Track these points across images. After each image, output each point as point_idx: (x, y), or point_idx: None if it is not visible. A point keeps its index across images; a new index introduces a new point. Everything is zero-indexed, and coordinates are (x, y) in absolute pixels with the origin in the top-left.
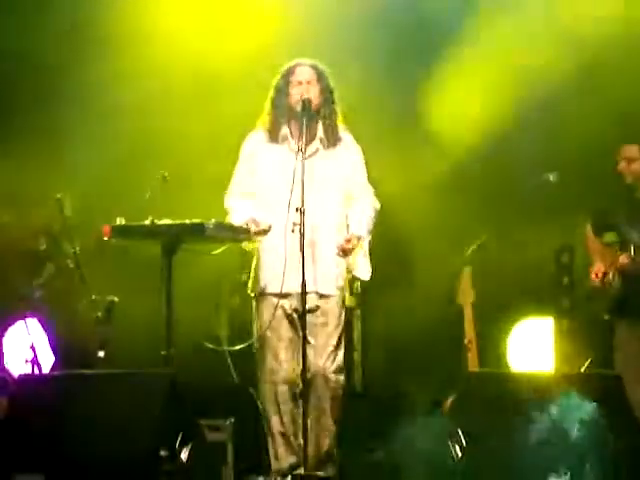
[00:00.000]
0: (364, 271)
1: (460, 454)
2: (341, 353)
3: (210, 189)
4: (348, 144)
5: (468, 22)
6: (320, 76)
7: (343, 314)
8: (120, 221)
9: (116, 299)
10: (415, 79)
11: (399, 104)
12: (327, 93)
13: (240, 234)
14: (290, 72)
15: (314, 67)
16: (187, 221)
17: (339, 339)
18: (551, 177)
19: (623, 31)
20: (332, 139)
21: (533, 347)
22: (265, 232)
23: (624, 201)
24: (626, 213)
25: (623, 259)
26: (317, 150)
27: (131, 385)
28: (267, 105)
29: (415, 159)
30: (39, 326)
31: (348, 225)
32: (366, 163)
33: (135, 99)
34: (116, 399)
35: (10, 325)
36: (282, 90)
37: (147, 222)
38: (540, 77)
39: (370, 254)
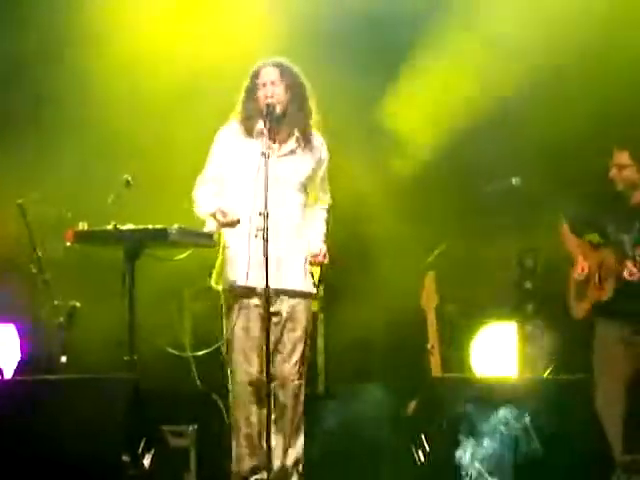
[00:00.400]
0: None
1: (423, 458)
2: (307, 359)
3: (175, 193)
4: (319, 148)
5: (434, 23)
6: (283, 73)
7: (310, 320)
8: (83, 226)
9: (78, 304)
10: (382, 81)
11: (366, 106)
12: (295, 89)
13: (203, 239)
14: (255, 74)
15: (277, 65)
16: (150, 226)
17: (305, 345)
18: (514, 181)
19: (597, 29)
20: (306, 141)
21: (497, 352)
22: (233, 224)
23: (613, 206)
24: (616, 219)
25: (632, 268)
26: (293, 150)
27: (94, 390)
28: (238, 107)
29: (380, 163)
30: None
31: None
32: (332, 166)
33: (102, 100)
34: (79, 404)
35: None
36: (250, 92)
37: (110, 227)
38: (504, 78)
39: (332, 259)
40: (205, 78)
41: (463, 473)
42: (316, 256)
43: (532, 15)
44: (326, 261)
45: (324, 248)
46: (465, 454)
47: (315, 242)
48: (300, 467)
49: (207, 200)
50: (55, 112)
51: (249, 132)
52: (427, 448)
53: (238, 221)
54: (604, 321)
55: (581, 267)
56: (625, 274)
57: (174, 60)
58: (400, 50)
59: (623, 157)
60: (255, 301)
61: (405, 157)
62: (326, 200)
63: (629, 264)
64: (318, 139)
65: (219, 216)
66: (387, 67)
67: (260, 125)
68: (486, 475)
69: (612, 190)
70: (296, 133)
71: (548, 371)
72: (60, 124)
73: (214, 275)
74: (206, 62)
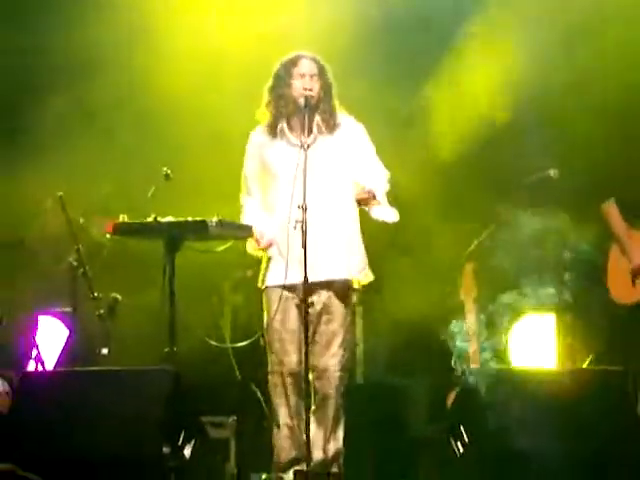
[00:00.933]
0: (389, 214)
1: (462, 449)
2: (346, 351)
3: (214, 186)
4: (348, 126)
5: (468, 23)
6: (321, 71)
7: (349, 312)
8: (123, 218)
9: (119, 297)
10: (417, 69)
11: (399, 97)
12: (327, 88)
13: (243, 231)
14: (292, 63)
15: (316, 61)
16: (190, 218)
17: (344, 337)
18: (552, 173)
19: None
20: (330, 126)
21: (535, 343)
22: (265, 249)
23: None
24: None
25: None
26: (315, 139)
27: (134, 382)
28: (266, 95)
29: (416, 154)
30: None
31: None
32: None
33: (136, 94)
34: (119, 396)
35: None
36: (283, 80)
37: (150, 219)
38: (544, 69)
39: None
40: (239, 73)
41: None
42: (366, 192)
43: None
44: (373, 201)
45: (373, 191)
46: None
47: (371, 185)
48: (340, 459)
49: (253, 215)
50: (91, 107)
51: (273, 133)
52: (466, 439)
53: (270, 246)
54: None
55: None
56: None
57: (218, 54)
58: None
59: None
60: (292, 294)
61: (442, 149)
62: (383, 173)
63: None
64: (343, 118)
65: (260, 239)
66: (423, 54)
67: (282, 124)
68: None
69: None
70: (320, 122)
71: (587, 362)
72: (96, 120)
73: (259, 276)
74: (249, 59)
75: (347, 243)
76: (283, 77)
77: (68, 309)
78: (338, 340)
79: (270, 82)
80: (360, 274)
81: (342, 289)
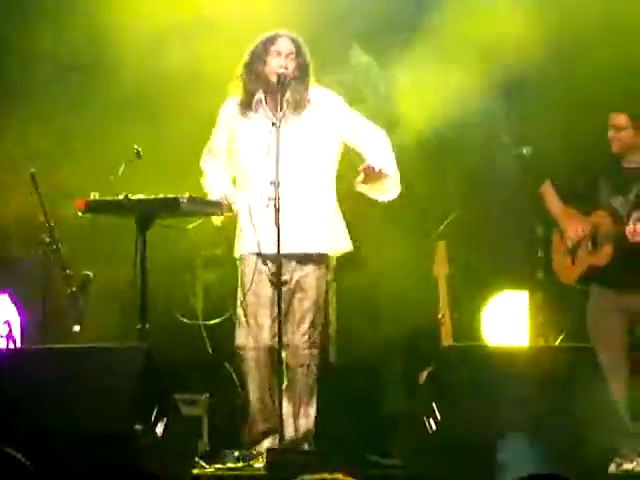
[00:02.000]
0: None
1: (435, 427)
2: (317, 329)
3: (185, 164)
4: (322, 102)
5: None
6: (299, 50)
7: (323, 290)
8: (94, 196)
9: (91, 274)
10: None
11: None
12: (303, 67)
13: (214, 208)
14: (270, 41)
15: (294, 40)
16: (161, 196)
17: (315, 315)
18: (524, 151)
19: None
20: (301, 104)
21: (508, 320)
22: (232, 212)
23: (607, 169)
24: (609, 181)
25: (635, 229)
26: (286, 116)
27: (105, 359)
28: (239, 69)
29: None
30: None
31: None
32: None
33: (109, 69)
34: (91, 374)
35: None
36: (259, 57)
37: (121, 197)
38: (514, 47)
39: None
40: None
41: None
42: (369, 167)
43: None
44: (378, 177)
45: (378, 167)
46: None
47: (375, 159)
48: (311, 437)
49: (216, 177)
50: (65, 82)
51: (247, 105)
52: (439, 417)
53: (237, 213)
54: (599, 288)
55: (575, 229)
56: (628, 234)
57: (187, 30)
58: (409, 19)
59: (620, 119)
60: (266, 268)
61: (412, 128)
62: (377, 136)
63: (631, 226)
64: (318, 93)
65: (224, 202)
66: (394, 37)
67: (259, 96)
68: None
69: (606, 155)
70: (289, 98)
71: (559, 339)
72: (70, 95)
73: (234, 246)
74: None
75: (321, 219)
76: (259, 54)
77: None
78: (309, 318)
79: (246, 58)
80: (336, 248)
81: (316, 265)
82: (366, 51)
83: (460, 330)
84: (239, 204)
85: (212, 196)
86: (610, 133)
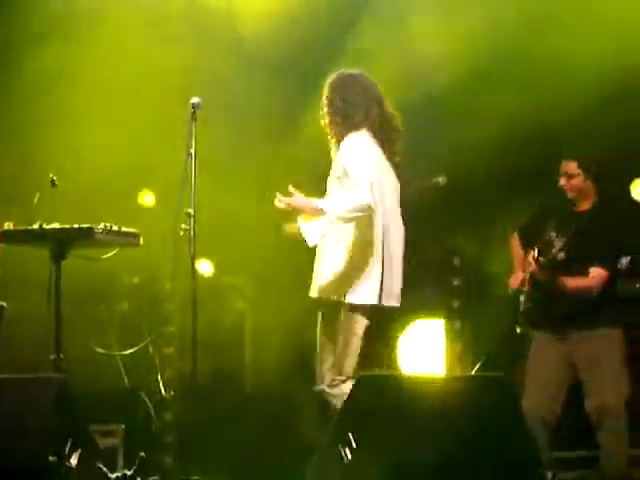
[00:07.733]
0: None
1: (349, 456)
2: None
3: (101, 193)
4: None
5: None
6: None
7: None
8: (9, 226)
9: (4, 304)
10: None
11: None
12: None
13: (129, 239)
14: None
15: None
16: (76, 225)
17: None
18: (440, 180)
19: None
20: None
21: (424, 349)
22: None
23: (558, 212)
24: (557, 222)
25: (529, 260)
26: None
27: (20, 390)
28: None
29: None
30: None
31: None
32: None
33: (26, 97)
34: (5, 404)
35: None
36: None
37: (35, 226)
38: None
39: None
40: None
41: None
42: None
43: None
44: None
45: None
46: None
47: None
48: None
49: None
50: None
51: None
52: (354, 446)
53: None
54: (532, 331)
55: (513, 280)
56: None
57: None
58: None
59: (571, 166)
60: None
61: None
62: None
63: (530, 254)
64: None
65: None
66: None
67: None
68: None
69: (560, 198)
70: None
71: (475, 369)
72: None
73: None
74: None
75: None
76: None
77: None
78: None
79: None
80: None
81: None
82: None
83: (377, 359)
84: None
85: None
86: (562, 180)
